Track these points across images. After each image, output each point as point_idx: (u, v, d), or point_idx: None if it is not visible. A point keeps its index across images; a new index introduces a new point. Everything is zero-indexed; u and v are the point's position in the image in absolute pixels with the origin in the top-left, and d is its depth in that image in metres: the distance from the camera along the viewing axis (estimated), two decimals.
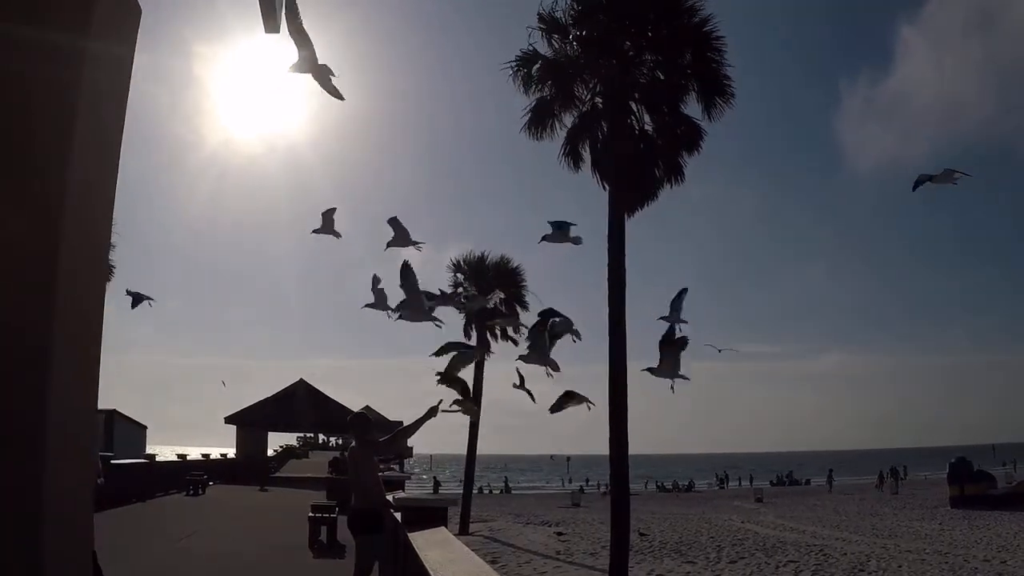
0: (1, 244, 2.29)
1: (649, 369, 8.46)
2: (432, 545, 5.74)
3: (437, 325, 8.70)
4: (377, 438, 8.86)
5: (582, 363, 10.57)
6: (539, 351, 8.61)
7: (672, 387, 8.83)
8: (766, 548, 24.55)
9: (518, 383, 9.11)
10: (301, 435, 78.04)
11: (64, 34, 2.41)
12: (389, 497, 8.87)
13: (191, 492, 28.73)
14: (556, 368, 8.71)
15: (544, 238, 10.04)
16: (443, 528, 6.87)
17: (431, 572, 4.62)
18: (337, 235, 9.68)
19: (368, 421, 8.82)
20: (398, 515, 8.24)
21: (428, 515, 7.17)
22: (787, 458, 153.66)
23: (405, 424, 8.87)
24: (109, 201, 2.68)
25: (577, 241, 9.97)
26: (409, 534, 6.60)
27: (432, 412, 8.41)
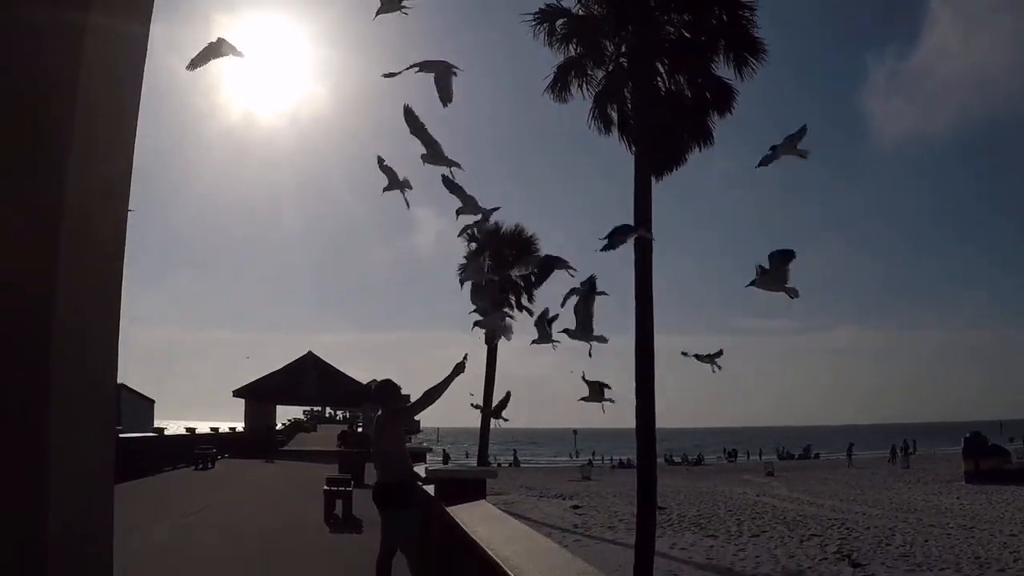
0: (11, 228, 2.20)
1: (752, 282, 7.09)
2: (480, 521, 5.21)
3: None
4: (403, 404, 8.28)
5: (606, 334, 9.94)
6: (584, 328, 8.10)
7: (791, 294, 7.32)
8: (787, 522, 24.15)
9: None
10: (308, 409, 77.86)
11: (70, 11, 2.27)
12: (420, 470, 8.36)
13: (200, 466, 28.36)
14: (603, 339, 8.24)
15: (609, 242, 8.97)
16: (484, 501, 6.34)
17: (488, 551, 4.09)
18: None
19: (394, 388, 8.25)
20: (429, 488, 7.73)
21: (466, 488, 6.64)
22: (795, 433, 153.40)
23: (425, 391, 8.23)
24: (125, 183, 2.56)
25: (646, 232, 9.08)
26: (448, 508, 6.08)
27: (459, 368, 7.85)
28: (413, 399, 8.71)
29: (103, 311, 2.42)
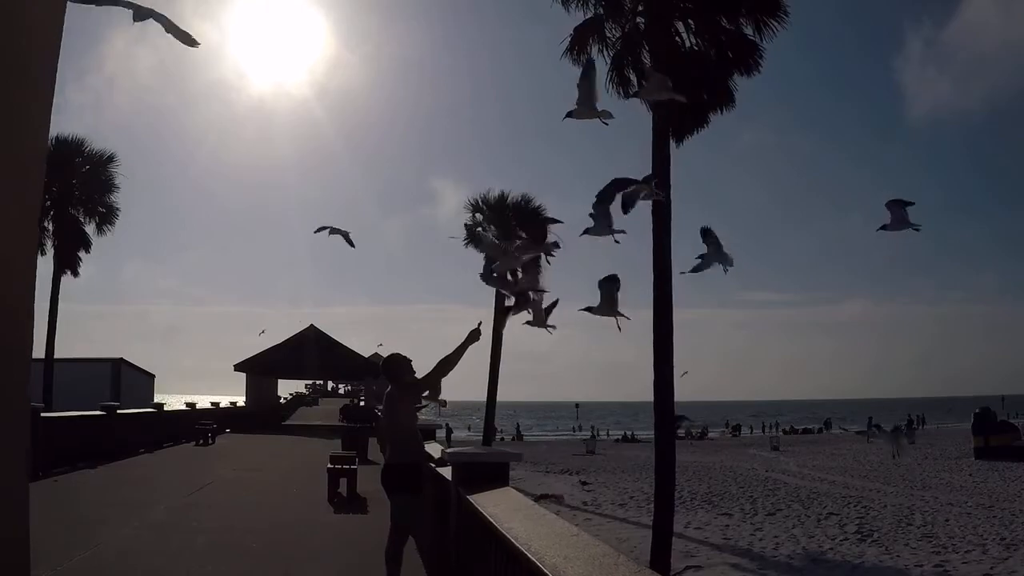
0: None
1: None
2: (511, 514, 4.52)
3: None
4: (415, 378, 7.58)
5: (623, 307, 9.44)
6: (608, 302, 8.18)
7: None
8: (801, 499, 23.62)
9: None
10: (310, 382, 77.50)
11: None
12: (431, 450, 7.70)
13: (201, 442, 27.81)
14: (624, 316, 8.34)
15: (586, 231, 8.97)
16: (510, 488, 5.66)
17: (530, 556, 3.42)
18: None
19: (404, 362, 7.57)
20: (445, 471, 7.09)
21: (487, 472, 5.97)
22: (797, 407, 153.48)
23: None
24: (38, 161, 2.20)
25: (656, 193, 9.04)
26: (470, 497, 5.41)
27: (474, 335, 7.24)
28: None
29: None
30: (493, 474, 5.95)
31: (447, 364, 7.30)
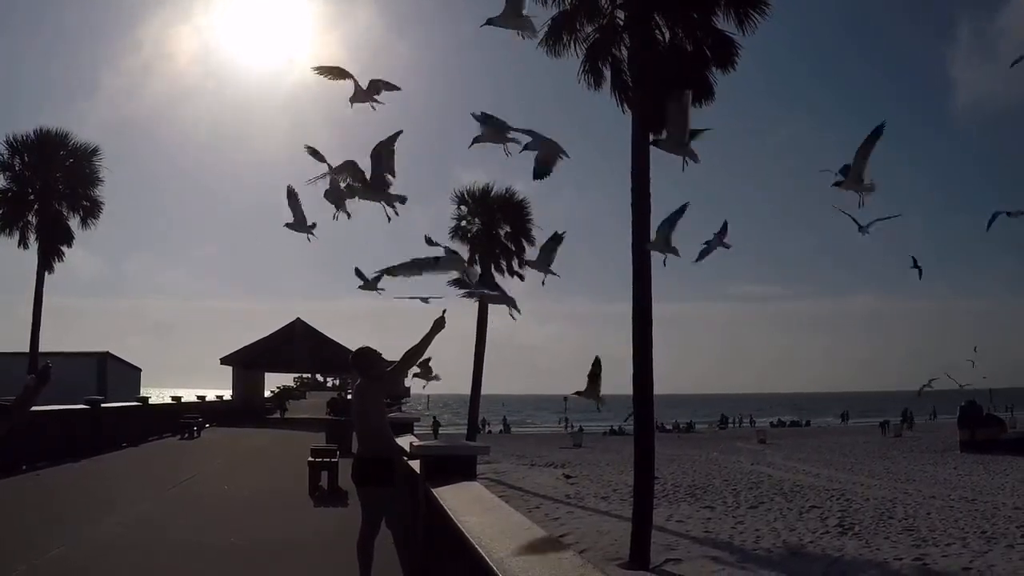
0: None
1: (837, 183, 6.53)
2: (469, 506, 4.54)
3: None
4: (384, 371, 7.56)
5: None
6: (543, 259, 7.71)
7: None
8: (784, 492, 23.70)
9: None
10: (298, 376, 77.24)
11: None
12: (404, 443, 7.67)
13: (185, 436, 27.76)
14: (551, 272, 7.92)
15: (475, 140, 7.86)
16: (475, 483, 5.66)
17: (480, 550, 3.41)
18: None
19: (373, 355, 7.53)
20: (414, 464, 7.07)
21: (453, 465, 5.97)
22: (787, 399, 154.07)
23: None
24: None
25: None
26: (434, 490, 5.41)
27: (439, 324, 7.20)
28: None
29: None
30: (459, 468, 5.96)
31: (413, 355, 7.32)
